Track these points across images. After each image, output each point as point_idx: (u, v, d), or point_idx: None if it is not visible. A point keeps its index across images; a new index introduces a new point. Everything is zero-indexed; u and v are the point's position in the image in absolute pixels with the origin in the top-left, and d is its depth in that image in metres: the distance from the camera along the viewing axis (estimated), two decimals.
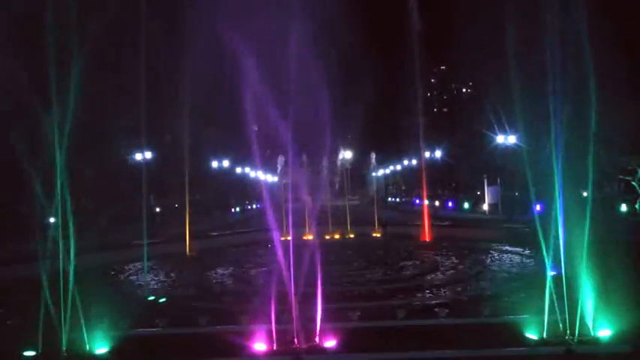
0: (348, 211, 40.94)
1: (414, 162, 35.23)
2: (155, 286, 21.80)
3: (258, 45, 12.81)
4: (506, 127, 44.05)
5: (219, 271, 25.14)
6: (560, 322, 11.70)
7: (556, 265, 11.79)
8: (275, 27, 12.96)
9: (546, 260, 11.79)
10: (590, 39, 11.53)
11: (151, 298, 19.35)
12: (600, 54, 11.65)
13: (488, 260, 26.18)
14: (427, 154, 30.81)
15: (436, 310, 14.77)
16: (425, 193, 38.52)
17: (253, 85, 12.43)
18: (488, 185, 58.60)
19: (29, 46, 12.31)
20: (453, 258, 26.53)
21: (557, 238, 11.71)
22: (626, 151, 38.22)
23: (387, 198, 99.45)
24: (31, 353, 11.64)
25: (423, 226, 35.77)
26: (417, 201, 61.12)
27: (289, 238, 12.45)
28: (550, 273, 11.81)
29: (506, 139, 45.82)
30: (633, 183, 44.70)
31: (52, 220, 11.97)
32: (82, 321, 11.78)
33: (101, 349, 11.87)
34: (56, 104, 11.70)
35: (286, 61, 12.67)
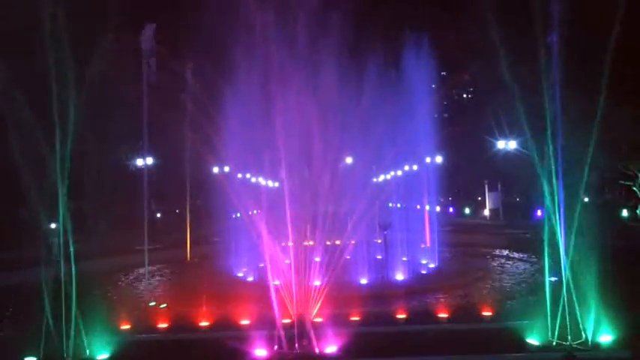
0: (349, 216, 40.73)
1: (415, 167, 35.06)
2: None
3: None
4: (507, 133, 44.17)
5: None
6: (560, 327, 11.68)
7: (556, 270, 11.78)
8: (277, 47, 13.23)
9: (547, 266, 11.79)
10: (592, 42, 11.57)
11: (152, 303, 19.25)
12: (600, 58, 11.68)
13: (490, 265, 26.12)
14: (428, 160, 30.72)
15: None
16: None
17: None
18: (489, 191, 58.59)
19: (30, 52, 12.34)
20: (454, 263, 26.42)
21: (557, 243, 11.71)
22: (627, 157, 38.27)
23: (389, 203, 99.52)
24: None
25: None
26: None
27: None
28: (550, 279, 11.82)
29: (507, 145, 45.91)
30: (634, 188, 44.66)
31: (52, 225, 11.97)
32: (83, 327, 11.77)
33: (102, 355, 11.85)
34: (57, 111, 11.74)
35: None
